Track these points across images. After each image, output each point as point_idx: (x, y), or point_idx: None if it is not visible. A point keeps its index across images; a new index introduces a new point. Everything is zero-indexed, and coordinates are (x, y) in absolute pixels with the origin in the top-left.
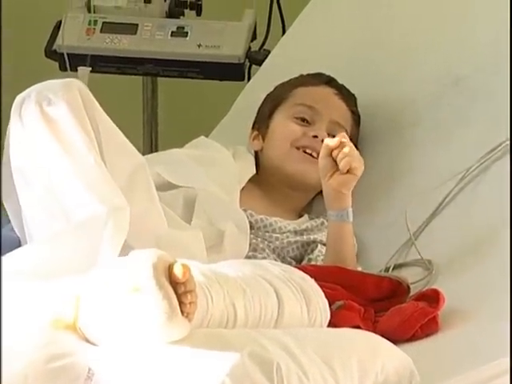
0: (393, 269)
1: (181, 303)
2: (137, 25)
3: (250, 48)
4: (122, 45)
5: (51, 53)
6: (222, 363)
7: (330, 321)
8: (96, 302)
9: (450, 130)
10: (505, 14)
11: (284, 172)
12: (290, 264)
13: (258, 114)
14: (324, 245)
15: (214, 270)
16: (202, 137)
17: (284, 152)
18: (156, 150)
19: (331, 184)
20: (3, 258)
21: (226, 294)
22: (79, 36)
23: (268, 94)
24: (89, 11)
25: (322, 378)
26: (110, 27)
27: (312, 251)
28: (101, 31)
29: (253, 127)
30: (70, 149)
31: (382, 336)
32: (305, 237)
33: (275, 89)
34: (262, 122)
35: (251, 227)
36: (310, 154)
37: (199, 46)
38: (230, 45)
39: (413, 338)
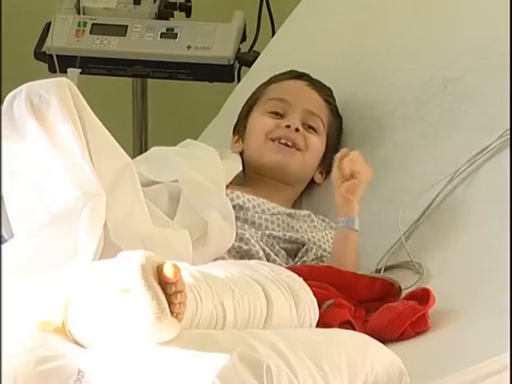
0: (384, 271)
1: (170, 303)
2: (126, 26)
3: (239, 49)
4: (111, 46)
5: (40, 54)
6: (212, 364)
7: (321, 320)
8: (85, 303)
9: (439, 132)
10: (493, 15)
11: (263, 164)
12: (278, 252)
13: (238, 118)
14: (319, 247)
15: (202, 271)
16: (188, 139)
17: (260, 145)
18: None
19: (340, 191)
20: None
21: (214, 294)
22: (68, 37)
23: (247, 99)
24: (78, 13)
25: (311, 378)
26: (99, 29)
27: (306, 252)
28: (90, 33)
29: (233, 132)
30: (58, 142)
31: (372, 334)
32: (295, 220)
33: (252, 92)
34: (240, 124)
35: (240, 208)
36: (285, 144)
37: (189, 47)
38: (219, 46)
39: (402, 336)
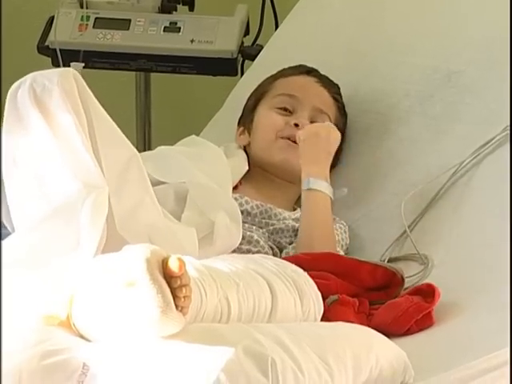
0: (388, 262)
1: (175, 297)
2: (129, 20)
3: (242, 43)
4: (114, 40)
5: (44, 49)
6: (217, 358)
7: (325, 314)
8: (90, 297)
9: (443, 125)
10: (496, 9)
11: (272, 162)
12: (285, 248)
13: (243, 110)
14: None
15: (207, 265)
16: (193, 136)
17: (269, 143)
18: (149, 146)
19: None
20: None
21: (219, 288)
22: (72, 32)
23: (252, 91)
24: (81, 7)
25: (316, 372)
26: (102, 23)
27: None
28: (93, 27)
29: (238, 123)
30: (59, 133)
31: (376, 330)
32: (298, 225)
33: (259, 85)
34: (246, 116)
35: (248, 214)
36: (294, 142)
37: (192, 41)
38: (222, 40)
39: (407, 332)
